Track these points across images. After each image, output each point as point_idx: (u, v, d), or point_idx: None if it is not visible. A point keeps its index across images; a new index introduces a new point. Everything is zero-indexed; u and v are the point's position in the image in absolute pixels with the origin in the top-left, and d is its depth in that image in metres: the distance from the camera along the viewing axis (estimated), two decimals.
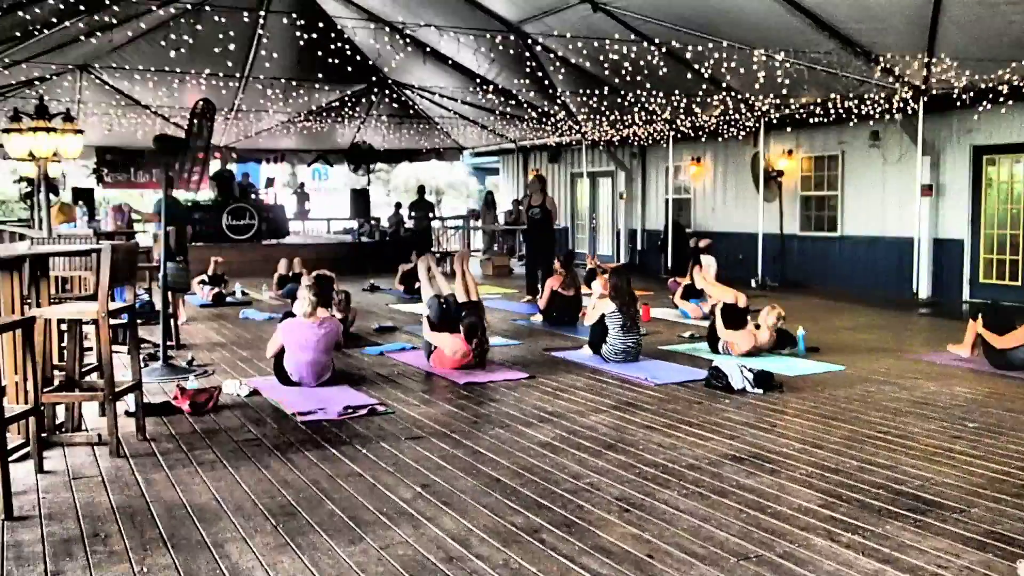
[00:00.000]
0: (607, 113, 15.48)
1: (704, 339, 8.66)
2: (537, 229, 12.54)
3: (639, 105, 14.54)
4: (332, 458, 4.82)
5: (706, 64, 11.65)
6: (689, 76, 12.35)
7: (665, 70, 12.03)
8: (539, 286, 12.19)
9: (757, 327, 8.03)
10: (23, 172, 11.26)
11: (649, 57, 11.69)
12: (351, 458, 4.82)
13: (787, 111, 13.45)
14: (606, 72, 12.76)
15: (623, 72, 12.58)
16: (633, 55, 11.90)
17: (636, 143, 18.20)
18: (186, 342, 8.95)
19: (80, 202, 12.18)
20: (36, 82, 13.57)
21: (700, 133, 15.76)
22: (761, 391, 6.43)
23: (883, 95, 11.86)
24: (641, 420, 5.66)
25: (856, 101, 12.01)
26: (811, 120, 13.25)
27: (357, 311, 9.90)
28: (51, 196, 15.74)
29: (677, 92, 13.26)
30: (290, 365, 6.67)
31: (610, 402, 6.21)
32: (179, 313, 9.90)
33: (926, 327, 10.27)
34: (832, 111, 12.53)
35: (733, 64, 11.23)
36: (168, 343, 8.13)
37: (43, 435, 4.80)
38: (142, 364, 7.38)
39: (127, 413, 5.63)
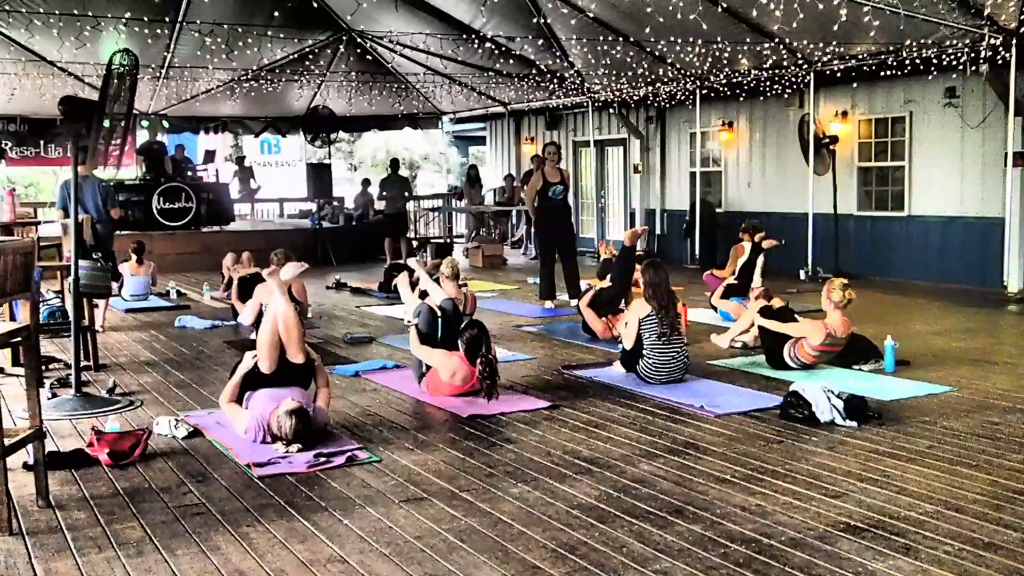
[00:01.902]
0: (627, 67, 14.72)
1: (762, 350, 8.06)
2: (563, 215, 11.70)
3: (672, 57, 13.80)
4: (302, 533, 4.14)
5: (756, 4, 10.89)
6: (734, 20, 11.61)
7: (701, 8, 11.29)
8: (554, 286, 11.49)
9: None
10: None
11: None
12: (329, 534, 4.13)
13: (843, 63, 12.79)
14: (634, 17, 11.97)
15: (646, 18, 11.83)
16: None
17: (654, 104, 17.51)
18: (106, 361, 8.24)
19: None
20: None
21: (735, 91, 15.11)
22: (855, 424, 5.80)
23: (965, 41, 11.21)
24: (709, 469, 4.99)
25: (936, 49, 11.36)
26: (880, 73, 12.59)
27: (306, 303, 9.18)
28: None
29: (718, 40, 12.53)
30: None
31: (663, 443, 5.54)
32: (98, 319, 9.20)
33: None
34: (907, 62, 11.87)
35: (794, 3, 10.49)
36: (84, 363, 7.46)
37: None
38: (49, 394, 6.72)
39: (25, 466, 4.93)
